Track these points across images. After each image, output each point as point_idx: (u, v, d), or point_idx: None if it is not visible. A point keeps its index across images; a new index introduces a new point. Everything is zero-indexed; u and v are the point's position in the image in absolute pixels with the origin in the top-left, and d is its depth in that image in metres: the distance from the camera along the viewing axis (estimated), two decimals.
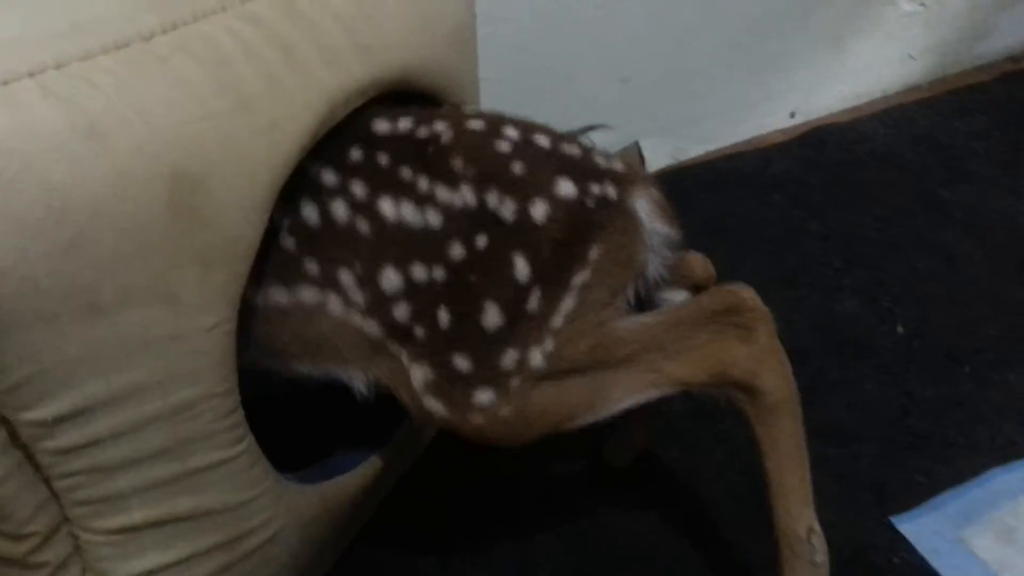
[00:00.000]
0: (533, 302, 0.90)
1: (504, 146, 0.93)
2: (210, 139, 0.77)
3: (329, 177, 0.92)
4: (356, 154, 0.93)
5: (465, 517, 1.27)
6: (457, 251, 0.90)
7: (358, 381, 0.97)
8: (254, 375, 1.01)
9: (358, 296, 0.93)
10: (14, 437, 0.79)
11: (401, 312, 0.92)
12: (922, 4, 2.01)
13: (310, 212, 0.92)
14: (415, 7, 0.96)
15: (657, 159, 1.91)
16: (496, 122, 0.96)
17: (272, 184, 0.81)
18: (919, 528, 1.23)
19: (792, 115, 2.04)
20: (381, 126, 0.95)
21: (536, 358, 0.91)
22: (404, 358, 0.93)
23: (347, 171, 0.93)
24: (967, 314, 1.55)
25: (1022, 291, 1.59)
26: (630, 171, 0.97)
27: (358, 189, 0.92)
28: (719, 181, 1.87)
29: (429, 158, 0.92)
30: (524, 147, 0.93)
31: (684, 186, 1.86)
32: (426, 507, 1.27)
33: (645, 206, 0.95)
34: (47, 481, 0.81)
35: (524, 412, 0.93)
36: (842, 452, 1.33)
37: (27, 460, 0.80)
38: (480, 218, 0.90)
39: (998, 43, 2.17)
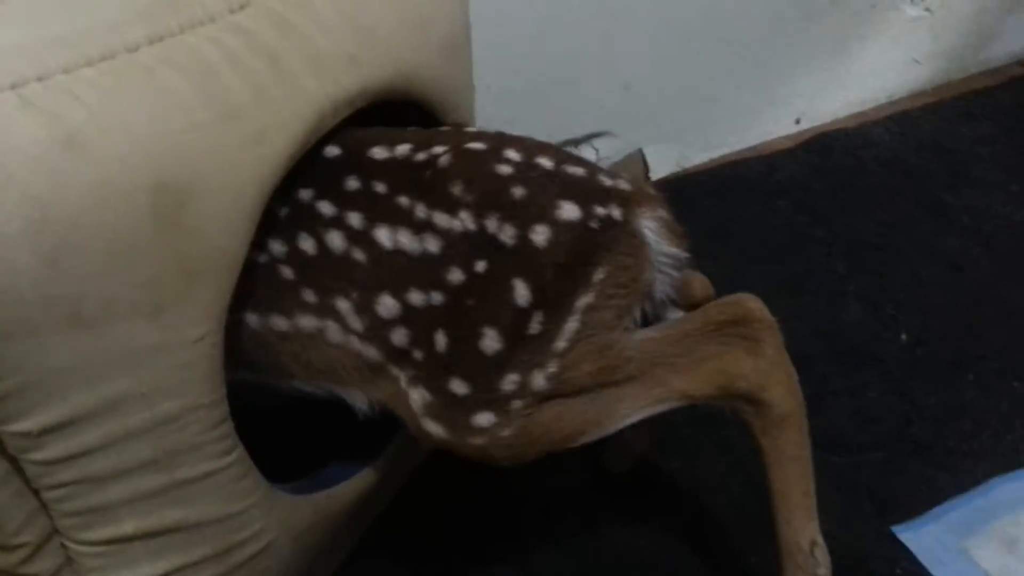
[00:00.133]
0: (535, 326, 0.89)
1: (505, 169, 0.91)
2: (195, 150, 0.76)
3: (326, 208, 0.92)
4: (353, 183, 0.92)
5: (465, 526, 1.26)
6: (456, 276, 0.89)
7: (359, 402, 0.97)
8: (250, 387, 1.02)
9: (356, 323, 0.92)
10: (1, 448, 0.79)
11: (399, 337, 0.91)
12: (928, 9, 1.99)
13: (307, 242, 0.92)
14: (405, 16, 0.96)
15: (661, 166, 1.91)
16: (498, 144, 0.95)
17: (259, 195, 0.81)
18: (921, 538, 1.22)
19: (797, 121, 2.03)
20: (379, 153, 0.94)
21: (538, 380, 0.90)
22: (403, 381, 0.93)
23: (344, 201, 0.92)
24: (972, 321, 1.53)
25: None
26: (637, 190, 0.95)
27: (355, 219, 0.91)
28: (723, 188, 1.86)
29: (427, 183, 0.91)
30: (526, 170, 0.92)
31: (688, 193, 1.85)
32: (426, 516, 1.27)
33: (652, 226, 0.94)
34: (36, 492, 0.82)
35: (527, 432, 0.91)
36: (844, 460, 1.32)
37: (15, 471, 0.80)
38: (479, 243, 0.89)
39: (1004, 48, 2.15)
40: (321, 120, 0.86)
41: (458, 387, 0.90)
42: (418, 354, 0.91)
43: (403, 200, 0.91)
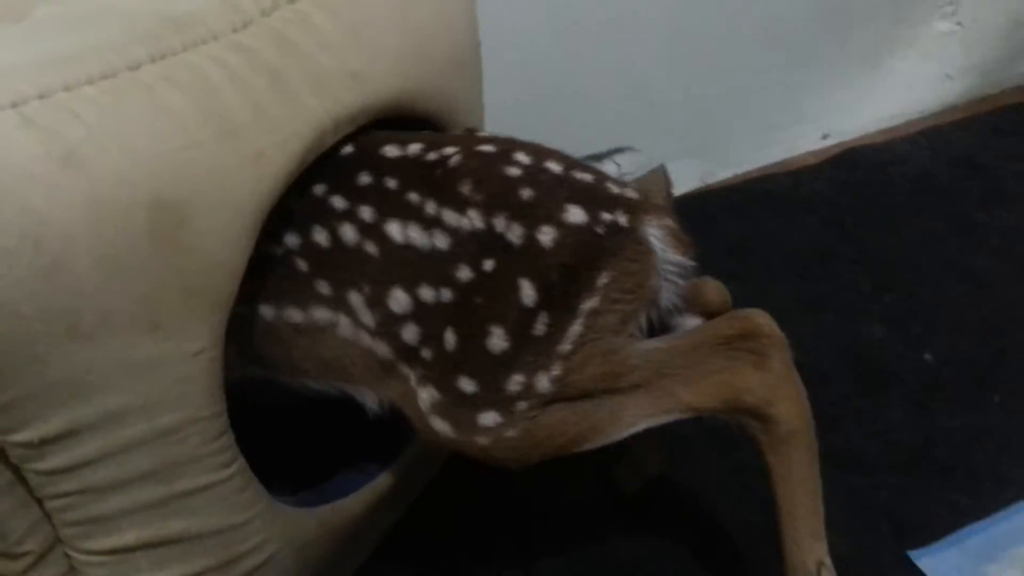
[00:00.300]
0: (540, 327, 0.89)
1: (514, 171, 0.93)
2: (194, 167, 0.78)
3: (339, 202, 0.94)
4: (365, 179, 0.94)
5: (474, 537, 1.26)
6: (464, 273, 0.90)
7: (370, 400, 0.99)
8: (259, 397, 1.03)
9: (367, 318, 0.94)
10: (4, 458, 0.80)
11: (410, 334, 0.93)
12: (959, 23, 1.97)
13: (321, 235, 0.94)
14: (409, 33, 0.97)
15: (685, 182, 1.90)
16: (508, 147, 0.96)
17: (257, 212, 0.82)
18: (938, 563, 1.19)
19: (825, 137, 2.01)
20: (391, 151, 0.96)
21: (543, 382, 0.90)
22: (412, 380, 0.94)
23: (356, 195, 0.94)
24: (999, 341, 1.50)
25: None
26: (644, 199, 0.96)
27: (366, 213, 0.93)
28: (747, 204, 1.85)
29: (437, 181, 0.93)
30: (535, 173, 0.93)
31: (711, 209, 1.84)
32: (435, 522, 1.27)
33: (658, 234, 0.94)
34: (39, 501, 0.83)
35: (531, 434, 0.92)
36: (862, 482, 1.30)
37: (18, 480, 0.82)
38: (488, 242, 0.90)
39: None
40: (321, 137, 0.87)
41: (466, 385, 0.90)
42: (427, 353, 0.92)
43: (413, 196, 0.92)
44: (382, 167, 0.95)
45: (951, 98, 2.06)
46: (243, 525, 0.92)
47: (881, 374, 1.46)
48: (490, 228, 0.90)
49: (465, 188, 0.91)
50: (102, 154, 0.73)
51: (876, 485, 1.30)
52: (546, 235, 0.89)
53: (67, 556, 0.87)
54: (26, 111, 0.72)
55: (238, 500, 0.91)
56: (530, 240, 0.89)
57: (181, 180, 0.77)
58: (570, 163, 0.97)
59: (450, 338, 0.91)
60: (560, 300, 0.89)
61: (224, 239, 0.80)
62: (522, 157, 0.94)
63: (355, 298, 0.94)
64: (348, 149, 0.97)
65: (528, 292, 0.89)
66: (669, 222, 0.95)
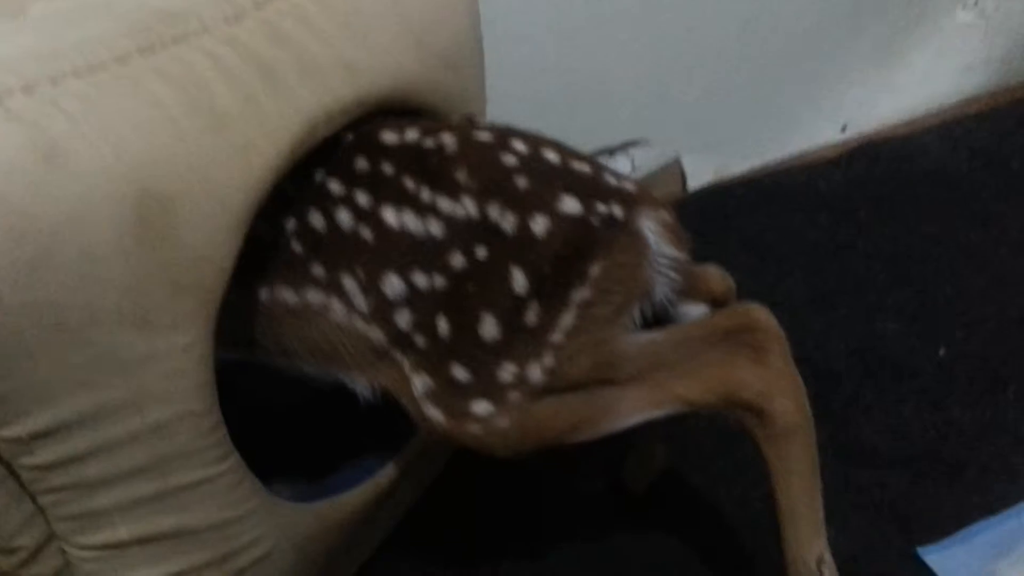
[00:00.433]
0: (531, 316, 0.89)
1: (510, 160, 0.93)
2: (181, 161, 0.77)
3: (335, 186, 0.94)
4: (362, 163, 0.95)
5: (483, 534, 1.26)
6: (458, 260, 0.90)
7: (361, 386, 0.99)
8: (264, 388, 1.03)
9: (361, 302, 0.94)
10: None
11: (403, 320, 0.93)
12: (981, 14, 1.93)
13: (316, 218, 0.95)
14: (405, 24, 0.96)
15: (699, 176, 1.88)
16: (505, 135, 0.96)
17: (246, 205, 0.82)
18: (946, 560, 1.17)
19: (844, 129, 1.99)
20: (388, 136, 0.96)
21: (535, 373, 0.90)
22: (406, 367, 0.94)
23: (353, 180, 0.94)
24: (1015, 337, 1.48)
25: None
26: (641, 191, 0.96)
27: (362, 198, 0.93)
28: (763, 198, 1.83)
29: (432, 169, 0.93)
30: (531, 162, 0.93)
31: (726, 203, 1.83)
32: (442, 522, 1.27)
33: (653, 227, 0.94)
34: (32, 496, 0.83)
35: (523, 424, 0.92)
36: (871, 478, 1.28)
37: (11, 475, 0.82)
38: (481, 230, 0.90)
39: None
40: (313, 130, 0.87)
41: (458, 373, 0.91)
42: (420, 339, 0.92)
43: (409, 182, 0.93)
44: (379, 152, 0.95)
45: (972, 90, 2.03)
46: (238, 520, 0.92)
47: (893, 369, 1.44)
48: (484, 216, 0.90)
49: (460, 176, 0.91)
50: (87, 147, 0.73)
51: (885, 481, 1.28)
52: (539, 224, 0.89)
53: (62, 551, 0.87)
54: (10, 104, 0.72)
55: (232, 495, 0.90)
56: (523, 229, 0.89)
57: (168, 173, 0.77)
58: (568, 154, 0.97)
59: (443, 325, 0.91)
60: (552, 290, 0.89)
61: (212, 233, 0.80)
62: (519, 146, 0.94)
63: (349, 282, 0.94)
64: (346, 135, 0.97)
65: (520, 281, 0.88)
66: (665, 215, 0.95)
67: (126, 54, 0.78)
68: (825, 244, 1.70)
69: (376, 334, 0.95)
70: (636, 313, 0.95)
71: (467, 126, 0.99)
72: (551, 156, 0.95)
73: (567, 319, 0.90)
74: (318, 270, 0.95)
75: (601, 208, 0.91)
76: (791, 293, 1.60)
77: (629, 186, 0.96)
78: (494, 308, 0.89)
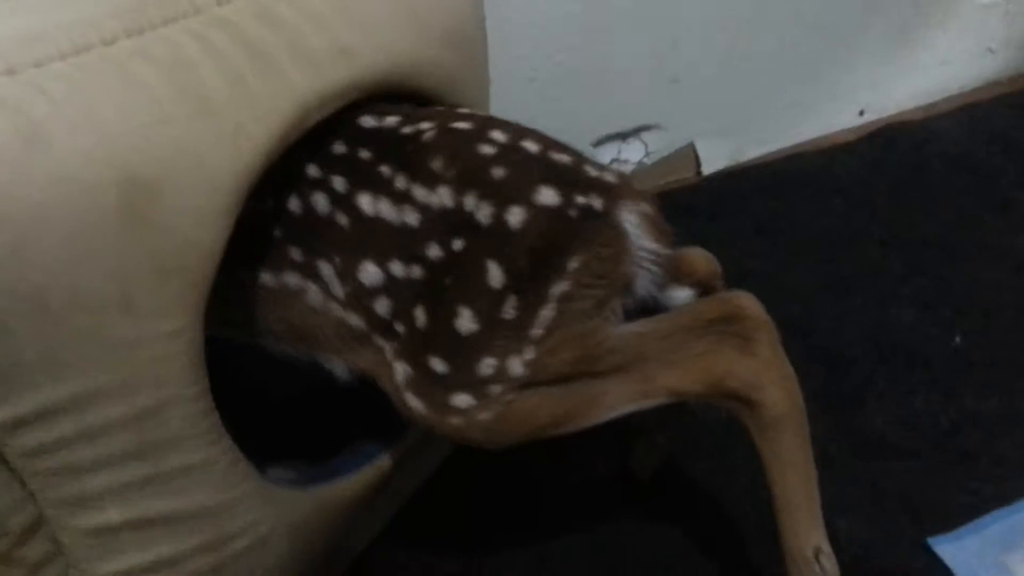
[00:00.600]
0: (509, 310, 0.88)
1: (488, 149, 0.91)
2: (166, 144, 0.76)
3: (313, 169, 0.93)
4: (340, 148, 0.93)
5: (485, 522, 1.25)
6: (434, 251, 0.89)
7: (339, 369, 0.98)
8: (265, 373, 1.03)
9: (338, 288, 0.93)
10: None
11: (382, 307, 0.92)
12: None
13: (294, 202, 0.93)
14: (403, 7, 0.94)
15: (714, 160, 1.86)
16: (484, 124, 0.94)
17: (235, 190, 0.81)
18: (958, 551, 1.15)
19: (861, 113, 1.96)
20: (367, 121, 0.95)
21: (515, 366, 0.89)
22: (388, 353, 0.93)
23: (330, 164, 0.93)
24: None
25: None
26: (622, 183, 0.94)
27: (338, 182, 0.92)
28: (778, 183, 1.81)
29: (408, 156, 0.91)
30: (509, 152, 0.91)
31: (741, 188, 1.81)
32: (444, 510, 1.26)
33: (634, 220, 0.92)
34: (22, 480, 0.82)
35: (506, 417, 0.91)
36: (882, 467, 1.27)
37: (0, 459, 0.81)
38: (457, 220, 0.88)
39: None
40: (305, 114, 0.85)
41: (437, 365, 0.89)
42: (400, 327, 0.91)
43: (385, 169, 0.91)
44: (357, 137, 0.94)
45: (993, 73, 1.99)
46: (232, 505, 0.91)
47: (907, 357, 1.42)
48: (460, 206, 0.88)
49: (436, 165, 0.90)
50: (69, 131, 0.72)
51: (897, 470, 1.26)
52: (515, 216, 0.87)
53: (53, 535, 0.86)
54: None
55: (225, 480, 0.90)
56: (498, 221, 0.87)
57: (153, 157, 0.76)
58: (548, 143, 0.95)
59: (420, 316, 0.90)
60: (529, 284, 0.87)
61: (199, 218, 0.79)
62: (498, 135, 0.92)
63: (325, 268, 0.93)
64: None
65: (495, 274, 0.87)
66: (647, 208, 0.93)
67: (113, 36, 0.77)
68: (840, 230, 1.68)
69: (354, 320, 0.94)
70: (618, 305, 0.93)
71: (447, 114, 0.97)
72: (530, 146, 0.93)
73: (546, 313, 0.89)
74: (295, 254, 0.95)
75: (580, 200, 0.90)
76: (805, 279, 1.58)
77: (610, 177, 0.94)
78: (471, 302, 0.88)
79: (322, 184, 0.93)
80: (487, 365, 0.88)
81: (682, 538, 1.21)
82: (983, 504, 1.20)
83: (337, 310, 0.94)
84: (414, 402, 0.92)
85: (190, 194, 0.78)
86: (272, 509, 0.96)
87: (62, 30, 0.76)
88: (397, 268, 0.90)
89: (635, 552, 1.20)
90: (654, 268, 0.93)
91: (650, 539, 1.21)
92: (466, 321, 0.88)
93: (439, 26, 0.98)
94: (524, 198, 0.88)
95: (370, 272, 0.91)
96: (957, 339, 1.44)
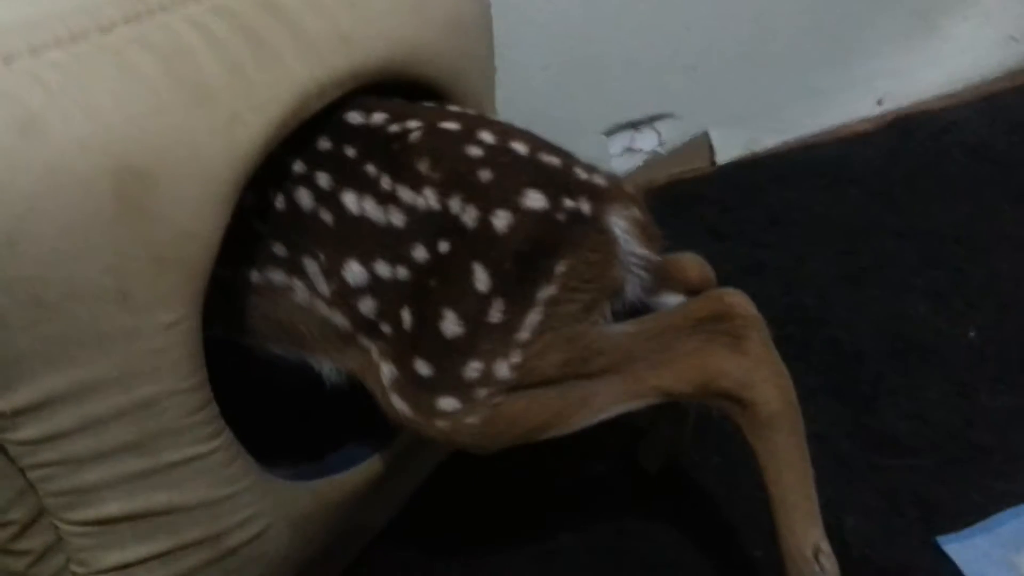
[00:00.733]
0: (495, 314, 0.87)
1: (475, 151, 0.90)
2: (163, 133, 0.76)
3: (297, 165, 0.92)
4: (325, 144, 0.92)
5: (485, 521, 1.24)
6: (420, 253, 0.88)
7: (327, 369, 0.97)
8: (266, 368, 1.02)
9: (323, 286, 0.92)
10: None
11: (367, 307, 0.91)
12: None
13: (278, 197, 0.92)
14: None
15: (729, 150, 1.84)
16: (473, 124, 0.93)
17: (232, 179, 0.80)
18: (967, 550, 1.13)
19: (880, 102, 1.93)
20: (354, 118, 0.94)
21: (502, 370, 0.88)
22: (374, 353, 0.92)
23: (315, 160, 0.92)
24: None
25: None
26: (612, 186, 0.93)
27: (323, 180, 0.91)
28: (793, 173, 1.79)
29: (394, 156, 0.90)
30: (497, 154, 0.91)
31: (755, 178, 1.79)
32: (450, 505, 1.26)
33: (623, 225, 0.91)
34: (22, 472, 0.83)
35: (493, 421, 0.90)
36: (892, 464, 1.25)
37: (0, 450, 0.81)
38: (443, 223, 0.88)
39: None
40: (304, 102, 0.85)
41: (422, 368, 0.89)
42: (386, 328, 0.91)
43: (370, 168, 0.91)
44: (343, 134, 0.92)
45: (1014, 62, 1.96)
46: (230, 498, 0.91)
47: (921, 351, 1.40)
48: (445, 209, 0.88)
49: (422, 166, 0.89)
50: (64, 120, 0.72)
51: (907, 467, 1.24)
52: (501, 220, 0.86)
53: (53, 526, 0.86)
54: None
55: (224, 473, 0.89)
56: (484, 224, 0.86)
57: (149, 146, 0.75)
58: (538, 145, 0.94)
59: (406, 318, 0.89)
60: (515, 288, 0.87)
61: (196, 208, 0.78)
62: (486, 136, 0.91)
63: (310, 265, 0.92)
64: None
65: (481, 278, 0.86)
66: (636, 212, 0.92)
67: (111, 23, 0.77)
68: (854, 222, 1.66)
69: (339, 319, 0.93)
70: (607, 309, 0.93)
71: (436, 113, 0.96)
72: (519, 148, 0.92)
73: (533, 317, 0.88)
74: (280, 250, 0.94)
75: (568, 203, 0.89)
76: (819, 271, 1.56)
77: (600, 180, 0.93)
78: (456, 305, 0.87)
79: (306, 180, 0.91)
80: (473, 368, 0.88)
81: (689, 537, 1.19)
82: (994, 502, 1.18)
83: (322, 308, 0.93)
84: (400, 404, 0.91)
85: (186, 183, 0.78)
86: (273, 502, 0.95)
87: (60, 18, 0.76)
88: (382, 268, 0.89)
89: (639, 551, 1.19)
90: (643, 273, 0.93)
91: (656, 538, 1.19)
92: (451, 324, 0.87)
93: (440, 14, 0.98)
94: (510, 201, 0.87)
95: (355, 271, 0.90)
96: (972, 333, 1.42)
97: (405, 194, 0.89)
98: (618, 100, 1.73)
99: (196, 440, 0.86)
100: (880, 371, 1.37)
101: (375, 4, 0.91)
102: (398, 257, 0.89)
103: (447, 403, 0.89)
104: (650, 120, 1.78)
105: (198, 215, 0.79)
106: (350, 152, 0.91)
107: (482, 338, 0.87)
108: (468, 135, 0.91)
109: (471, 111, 0.99)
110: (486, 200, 0.87)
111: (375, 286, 0.90)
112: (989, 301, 1.47)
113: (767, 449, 0.92)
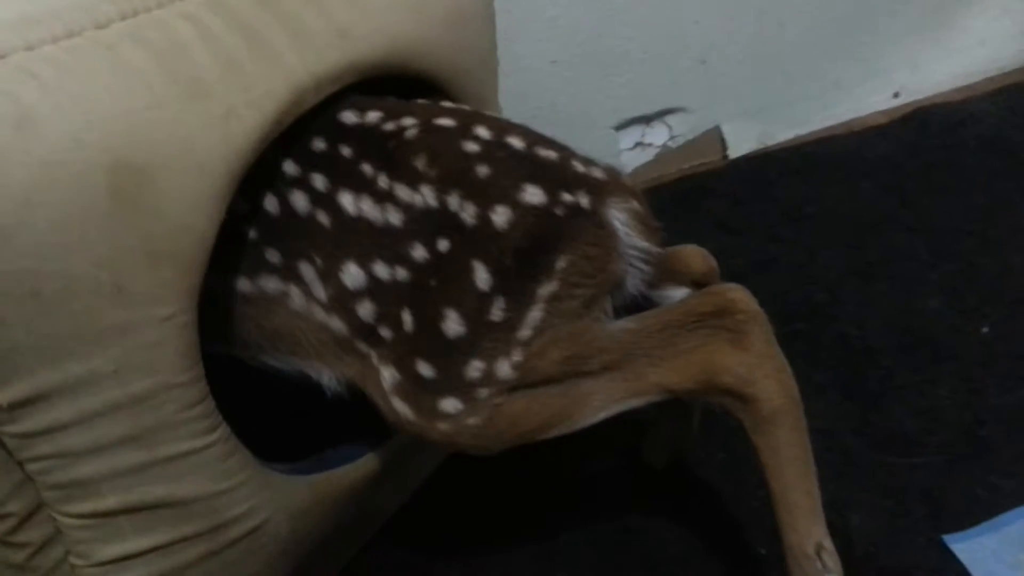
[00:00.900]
0: (496, 312, 0.87)
1: (472, 147, 0.90)
2: (157, 128, 0.76)
3: (290, 167, 0.91)
4: (319, 144, 0.92)
5: (486, 520, 1.24)
6: (419, 252, 0.88)
7: (326, 377, 0.96)
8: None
9: (320, 291, 0.92)
10: None
11: (365, 311, 0.90)
12: None
13: (271, 201, 0.91)
14: None
15: (741, 144, 1.83)
16: (468, 120, 0.93)
17: (228, 174, 0.80)
18: (975, 548, 1.12)
19: (896, 95, 1.91)
20: (349, 117, 0.93)
21: (504, 369, 0.88)
22: (374, 358, 0.92)
23: (309, 161, 0.91)
24: None
25: None
26: (610, 180, 0.93)
27: (319, 181, 0.90)
28: (806, 166, 1.77)
29: (390, 155, 0.90)
30: (494, 149, 0.90)
31: (768, 172, 1.78)
32: (450, 503, 1.26)
33: (622, 218, 0.91)
34: (20, 464, 0.83)
35: (495, 421, 0.90)
36: (901, 462, 1.24)
37: None
38: (441, 221, 0.87)
39: None
40: (301, 97, 0.85)
41: (424, 369, 0.88)
42: (386, 332, 0.90)
43: (367, 168, 0.90)
44: (338, 133, 0.92)
45: None
46: (228, 492, 0.91)
47: (932, 347, 1.39)
48: (444, 206, 0.87)
49: (419, 163, 0.88)
50: (58, 115, 0.72)
51: (916, 465, 1.23)
52: (500, 216, 0.86)
53: (52, 519, 0.87)
54: None
55: (222, 467, 0.90)
56: (483, 221, 0.86)
57: (143, 141, 0.75)
58: (535, 139, 0.93)
59: (407, 319, 0.88)
60: (516, 285, 0.86)
61: (191, 202, 0.78)
62: (482, 132, 0.91)
63: (307, 270, 0.91)
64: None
65: (482, 276, 0.86)
66: (635, 205, 0.92)
67: (107, 20, 0.77)
68: (866, 215, 1.64)
69: (337, 324, 0.92)
70: (608, 304, 0.92)
71: (431, 110, 0.95)
72: (516, 143, 0.91)
73: (534, 314, 0.87)
74: (273, 256, 0.93)
75: (567, 197, 0.88)
76: (831, 265, 1.55)
77: (598, 173, 0.92)
78: (457, 304, 0.87)
79: (301, 182, 0.91)
80: (475, 368, 0.87)
81: (692, 533, 1.19)
82: (1002, 500, 1.17)
83: (320, 314, 0.93)
84: (401, 408, 0.91)
85: (181, 178, 0.78)
86: (271, 496, 0.95)
87: (56, 14, 0.76)
88: (381, 269, 0.89)
89: (642, 548, 1.18)
90: (645, 267, 0.92)
91: (659, 535, 1.19)
92: (453, 323, 0.87)
93: (441, 8, 0.97)
94: (509, 197, 0.86)
95: (353, 273, 0.89)
96: (984, 330, 1.40)
97: (402, 192, 0.88)
98: (628, 94, 1.72)
99: (193, 434, 0.86)
100: (889, 367, 1.36)
101: None
102: (397, 257, 0.88)
103: (449, 404, 0.89)
104: (661, 114, 1.77)
105: (193, 209, 0.79)
106: (346, 152, 0.91)
107: (484, 337, 0.87)
108: (464, 131, 0.91)
109: (466, 107, 0.98)
110: (484, 196, 0.86)
111: (374, 288, 0.89)
112: (1002, 297, 1.45)
113: (769, 445, 0.91)
